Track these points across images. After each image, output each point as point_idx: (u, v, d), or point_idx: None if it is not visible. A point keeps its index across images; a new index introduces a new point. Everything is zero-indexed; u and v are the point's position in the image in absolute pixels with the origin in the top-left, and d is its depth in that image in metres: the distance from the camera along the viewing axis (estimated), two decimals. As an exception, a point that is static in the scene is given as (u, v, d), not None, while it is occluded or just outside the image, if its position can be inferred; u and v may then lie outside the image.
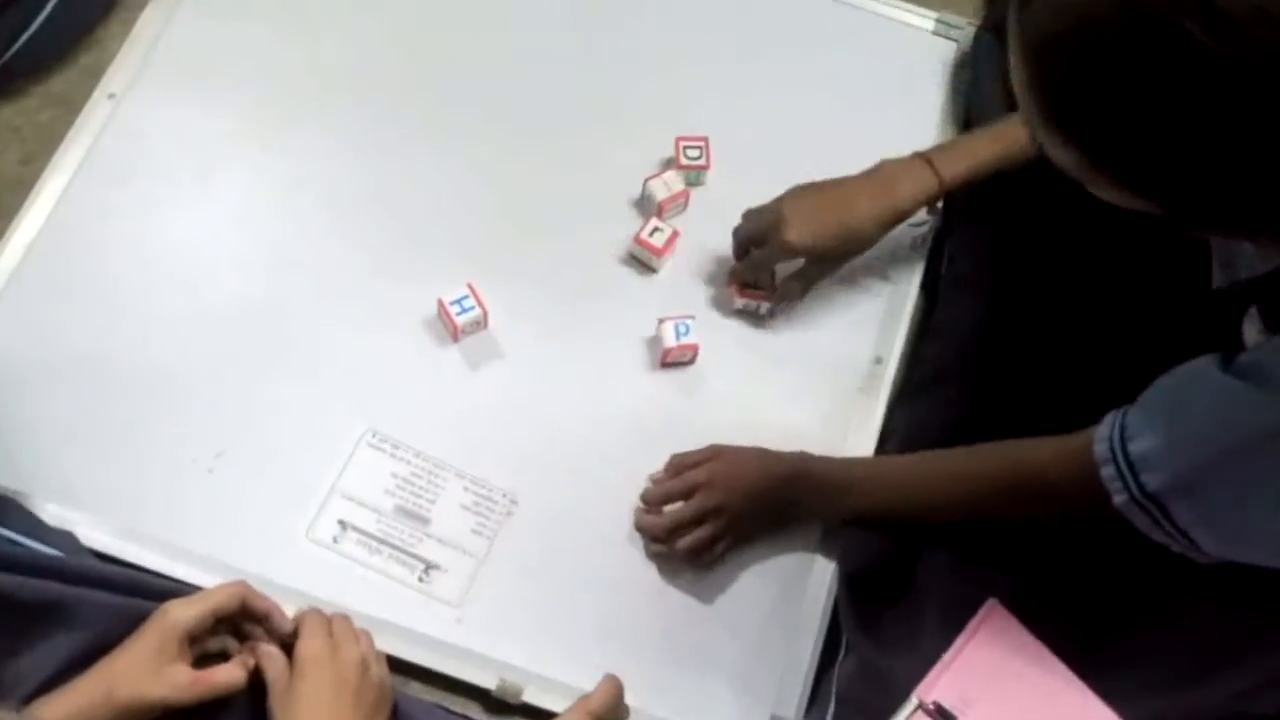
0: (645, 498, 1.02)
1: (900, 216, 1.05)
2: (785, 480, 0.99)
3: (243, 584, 0.88)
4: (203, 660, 0.87)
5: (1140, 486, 0.76)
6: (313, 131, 1.17)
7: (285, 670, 0.85)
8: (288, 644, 0.87)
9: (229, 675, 0.85)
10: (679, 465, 1.02)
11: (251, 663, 0.86)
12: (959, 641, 0.86)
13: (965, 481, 0.94)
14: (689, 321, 1.08)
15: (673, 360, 1.09)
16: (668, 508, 1.01)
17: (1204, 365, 0.75)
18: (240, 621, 0.89)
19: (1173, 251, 0.89)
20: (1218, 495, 0.74)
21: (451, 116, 1.19)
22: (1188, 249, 0.81)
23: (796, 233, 1.03)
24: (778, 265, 1.08)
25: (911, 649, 0.89)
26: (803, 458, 1.01)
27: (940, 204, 1.08)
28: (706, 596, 1.01)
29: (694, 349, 1.08)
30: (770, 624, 1.00)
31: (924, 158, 1.05)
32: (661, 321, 1.08)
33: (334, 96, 1.18)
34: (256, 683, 0.86)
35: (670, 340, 1.07)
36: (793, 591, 1.01)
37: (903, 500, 0.97)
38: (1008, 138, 1.01)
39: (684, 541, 0.99)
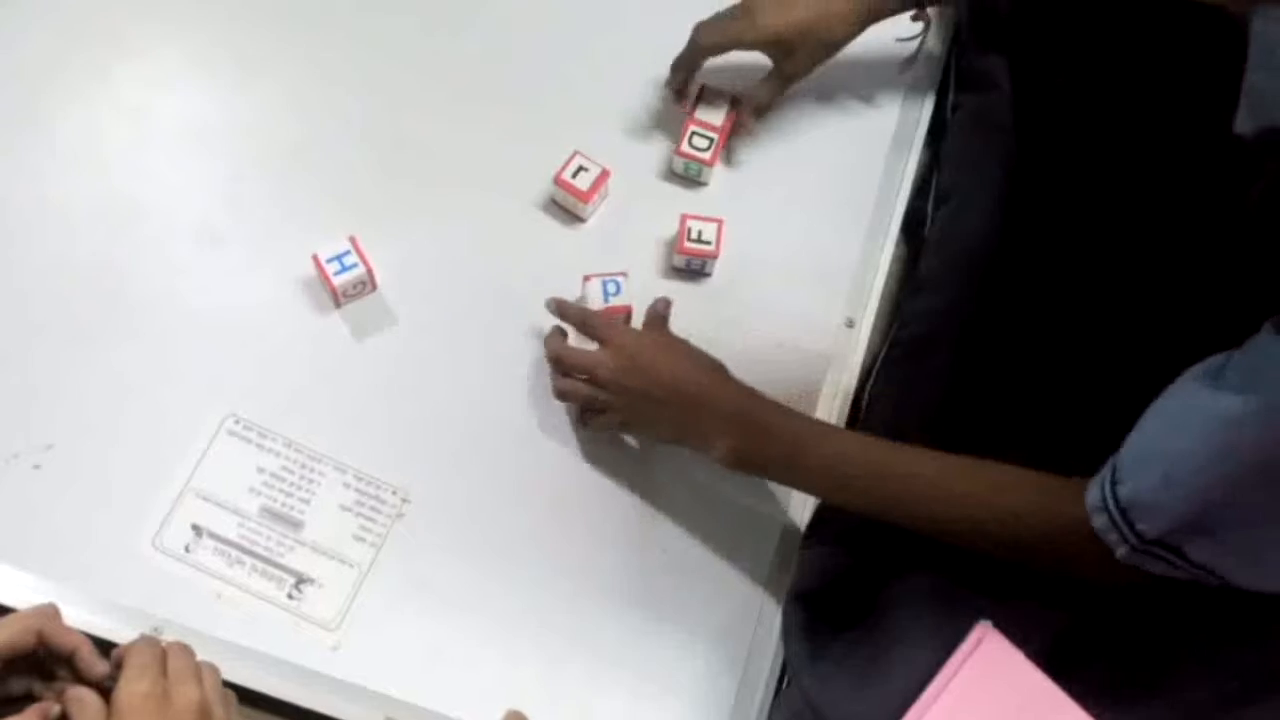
0: (552, 348, 0.93)
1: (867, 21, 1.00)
2: (697, 404, 0.86)
3: (43, 613, 0.74)
4: (4, 707, 0.73)
5: (1138, 535, 0.69)
6: (161, 50, 1.06)
7: (99, 717, 0.72)
8: (109, 687, 0.73)
9: None
10: (586, 328, 0.92)
11: (55, 710, 0.73)
12: (940, 679, 0.74)
13: (966, 505, 0.79)
14: (620, 279, 0.95)
15: None
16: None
17: (1191, 386, 0.69)
18: (46, 660, 0.75)
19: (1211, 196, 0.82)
20: (1236, 524, 0.67)
21: (329, 29, 1.07)
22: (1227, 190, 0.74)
23: (770, 17, 0.98)
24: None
25: (866, 688, 0.76)
26: (748, 395, 0.87)
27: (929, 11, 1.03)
28: (645, 609, 0.89)
29: (627, 311, 0.96)
30: (723, 640, 0.88)
31: None
32: (587, 279, 0.96)
33: (183, 5, 1.08)
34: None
35: (598, 302, 0.95)
36: (750, 601, 0.90)
37: (864, 488, 0.83)
38: None
39: (577, 414, 0.93)
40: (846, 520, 0.86)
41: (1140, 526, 0.69)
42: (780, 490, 0.92)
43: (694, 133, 1.01)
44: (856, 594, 0.83)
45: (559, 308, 0.93)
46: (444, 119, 1.04)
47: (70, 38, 1.04)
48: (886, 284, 1.01)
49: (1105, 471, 0.71)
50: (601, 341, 0.89)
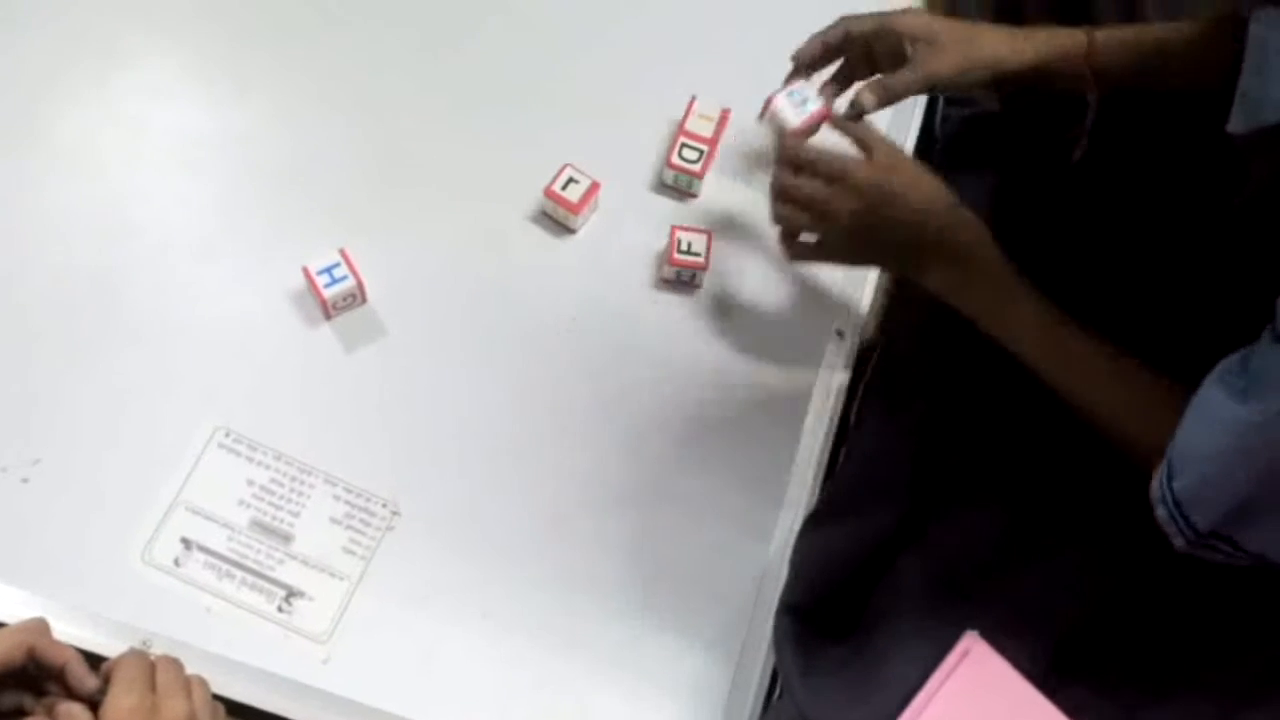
0: (788, 146, 0.89)
1: (1036, 67, 0.89)
2: (928, 242, 0.86)
3: (33, 628, 0.74)
4: (-6, 723, 0.74)
5: (1192, 528, 0.70)
6: (157, 62, 1.06)
7: None
8: (99, 701, 0.72)
9: None
10: (820, 170, 0.87)
11: (46, 727, 0.72)
12: (927, 690, 0.75)
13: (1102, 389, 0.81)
14: (804, 87, 0.91)
15: None
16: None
17: (1214, 391, 0.70)
18: (37, 675, 0.74)
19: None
20: (1273, 515, 0.68)
21: (322, 44, 1.07)
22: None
23: (947, 61, 0.88)
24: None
25: (859, 700, 0.77)
26: (978, 242, 0.86)
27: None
28: (635, 619, 0.88)
29: (825, 115, 0.90)
30: (714, 651, 0.88)
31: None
32: (774, 97, 0.91)
33: (179, 20, 1.07)
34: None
35: (791, 117, 0.89)
36: (741, 611, 0.89)
37: (1039, 364, 0.84)
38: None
39: (781, 214, 0.89)
40: (839, 531, 0.87)
41: (1193, 519, 0.70)
42: (773, 501, 0.92)
43: (684, 144, 1.01)
44: (847, 606, 0.83)
45: (783, 147, 0.89)
46: (435, 132, 1.03)
47: (68, 50, 1.04)
48: (876, 295, 1.01)
49: (1163, 464, 0.72)
50: (835, 178, 0.86)
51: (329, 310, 0.93)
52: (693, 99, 1.04)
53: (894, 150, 0.87)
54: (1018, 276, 0.85)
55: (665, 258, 0.98)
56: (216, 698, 0.77)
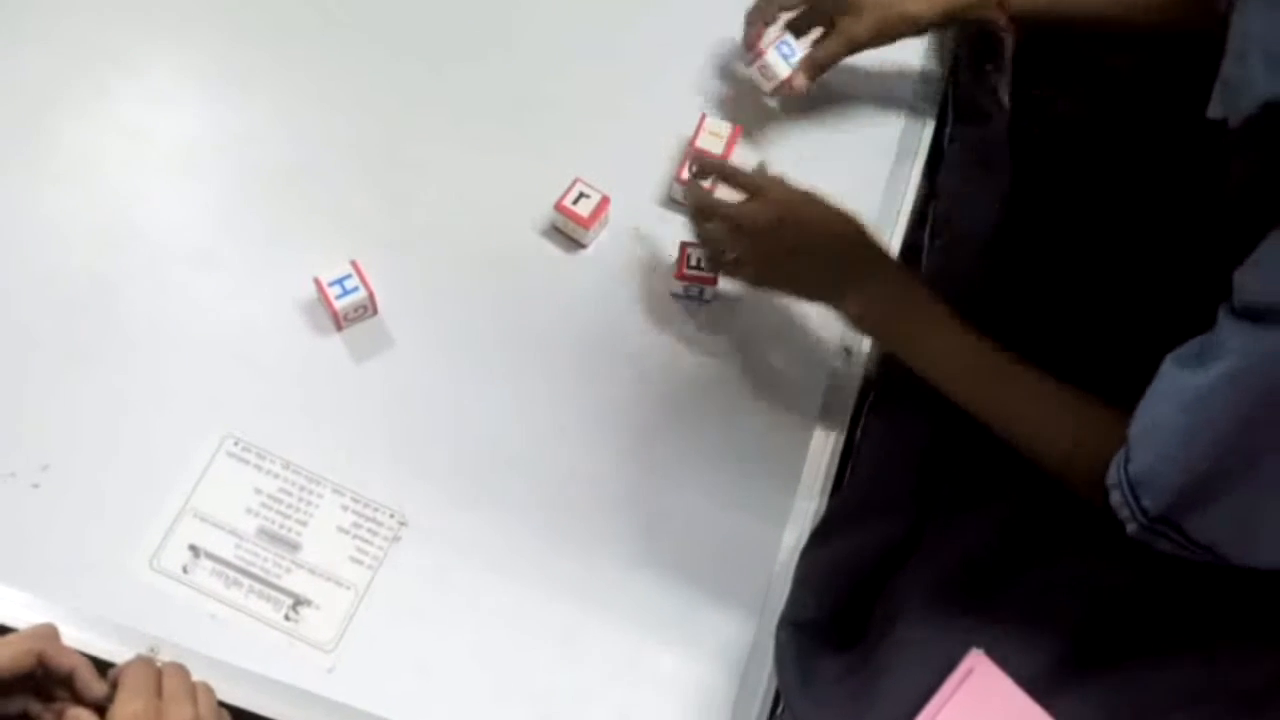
0: (695, 195, 0.95)
1: (948, 16, 1.00)
2: (839, 265, 0.89)
3: (43, 635, 0.74)
4: (0, 727, 0.74)
5: (1144, 511, 0.70)
6: (160, 71, 1.05)
7: None
8: (107, 707, 0.73)
9: None
10: (734, 181, 0.93)
11: (52, 732, 0.73)
12: (930, 708, 0.75)
13: (1018, 406, 0.83)
14: (790, 40, 1.00)
15: None
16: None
17: (1171, 369, 0.72)
18: (45, 680, 0.74)
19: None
20: (1225, 494, 0.68)
21: (333, 53, 1.07)
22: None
23: (864, 25, 0.97)
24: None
25: (862, 713, 0.77)
26: (890, 268, 0.90)
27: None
28: (640, 631, 0.88)
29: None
30: (715, 664, 0.88)
31: None
32: (762, 53, 0.99)
33: (185, 25, 1.07)
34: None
35: (782, 69, 0.99)
36: (745, 625, 0.89)
37: (962, 390, 0.86)
38: None
39: (705, 235, 0.94)
40: (844, 545, 0.87)
41: (1144, 503, 0.70)
42: (780, 515, 0.92)
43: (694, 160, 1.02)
44: (850, 617, 0.83)
45: (698, 161, 0.95)
46: (446, 145, 1.03)
47: (70, 57, 1.03)
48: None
49: (1121, 450, 0.72)
50: (751, 193, 0.90)
51: (340, 321, 0.93)
52: (703, 116, 1.04)
53: (799, 188, 0.90)
54: (936, 304, 0.87)
55: (675, 273, 0.98)
56: (222, 704, 0.77)
